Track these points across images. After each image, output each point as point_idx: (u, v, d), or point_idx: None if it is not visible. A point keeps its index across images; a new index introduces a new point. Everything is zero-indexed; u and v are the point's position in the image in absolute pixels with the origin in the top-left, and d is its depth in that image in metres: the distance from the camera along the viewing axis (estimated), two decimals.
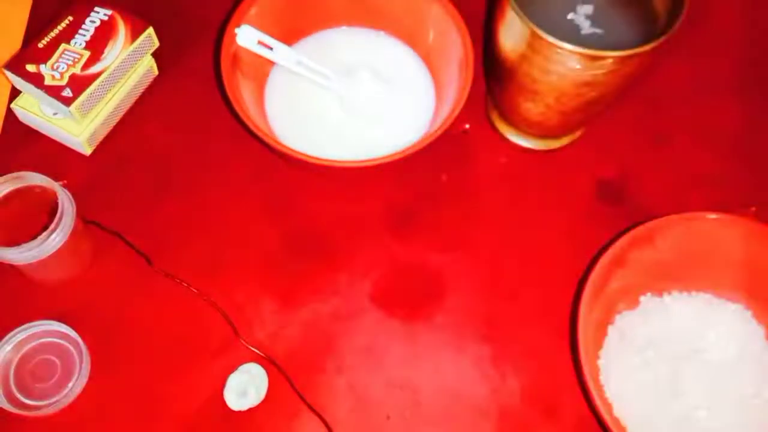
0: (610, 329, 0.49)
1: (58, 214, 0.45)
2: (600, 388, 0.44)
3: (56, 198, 0.45)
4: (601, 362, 0.47)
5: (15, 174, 0.46)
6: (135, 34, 0.54)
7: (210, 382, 0.47)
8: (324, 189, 0.55)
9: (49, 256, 0.45)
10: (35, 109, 0.53)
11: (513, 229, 0.54)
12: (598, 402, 0.43)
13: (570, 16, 0.49)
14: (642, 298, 0.50)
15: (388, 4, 0.56)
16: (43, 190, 0.46)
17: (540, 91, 0.48)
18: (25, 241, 0.44)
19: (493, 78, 0.54)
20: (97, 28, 0.54)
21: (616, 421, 0.43)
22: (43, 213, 0.47)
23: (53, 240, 0.45)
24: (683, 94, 0.60)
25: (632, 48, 0.42)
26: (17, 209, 0.46)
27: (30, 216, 0.47)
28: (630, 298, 0.50)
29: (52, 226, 0.44)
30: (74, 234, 0.46)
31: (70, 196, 0.47)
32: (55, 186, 0.46)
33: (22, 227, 0.46)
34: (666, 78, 0.59)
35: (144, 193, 0.54)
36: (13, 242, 0.44)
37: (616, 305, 0.49)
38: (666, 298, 0.50)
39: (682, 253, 0.49)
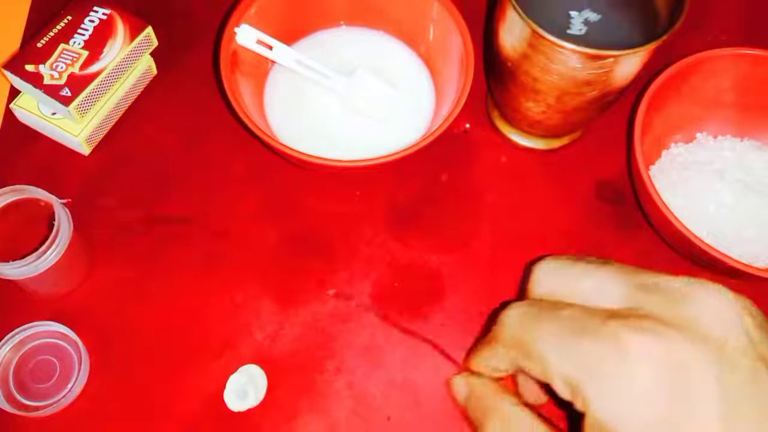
0: (664, 152, 0.55)
1: (54, 231, 0.44)
2: (650, 177, 0.48)
3: (53, 210, 0.45)
4: (650, 173, 0.52)
5: (12, 187, 0.45)
6: (134, 34, 0.54)
7: (209, 382, 0.47)
8: (324, 189, 0.55)
9: (43, 272, 0.45)
10: (34, 109, 0.53)
11: (513, 228, 0.54)
12: (646, 180, 0.46)
13: (571, 14, 0.49)
14: (698, 135, 0.55)
15: (388, 4, 0.56)
16: (39, 203, 0.45)
17: (541, 90, 0.47)
18: (22, 254, 0.43)
19: (493, 77, 0.54)
20: (95, 28, 0.53)
21: (666, 206, 0.46)
22: (41, 225, 0.46)
23: (47, 257, 0.44)
24: None
25: (633, 48, 0.42)
26: (13, 222, 0.46)
27: (27, 229, 0.47)
28: (687, 131, 0.55)
29: (47, 243, 0.44)
30: (70, 249, 0.46)
31: (68, 212, 0.46)
32: (53, 200, 0.45)
33: (19, 240, 0.46)
34: None
35: (143, 192, 0.54)
36: (9, 255, 0.43)
37: (673, 134, 0.55)
38: (720, 138, 0.55)
39: (744, 94, 0.54)
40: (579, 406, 0.27)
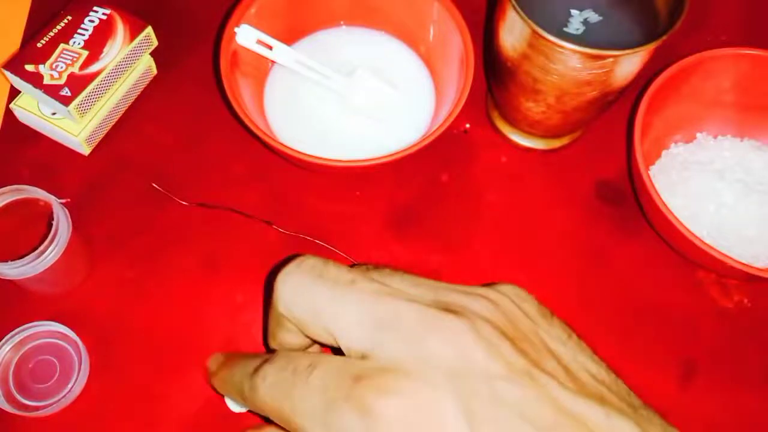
0: (664, 152, 0.55)
1: (52, 232, 0.44)
2: (650, 177, 0.48)
3: (52, 210, 0.45)
4: (650, 173, 0.52)
5: (12, 187, 0.45)
6: (134, 34, 0.54)
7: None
8: (324, 189, 0.55)
9: (43, 272, 0.45)
10: (34, 109, 0.53)
11: (513, 228, 0.54)
12: (646, 180, 0.47)
13: (572, 14, 0.49)
14: (699, 135, 0.55)
15: (388, 4, 0.56)
16: (39, 203, 0.45)
17: (541, 90, 0.47)
18: (21, 254, 0.43)
19: (493, 77, 0.54)
20: (95, 28, 0.53)
21: (666, 206, 0.46)
22: (41, 225, 0.46)
23: (46, 257, 0.44)
24: None
25: (633, 48, 0.42)
26: (13, 222, 0.46)
27: (26, 229, 0.47)
28: (687, 131, 0.55)
29: (46, 243, 0.44)
30: (69, 249, 0.46)
31: (67, 211, 0.46)
32: (52, 200, 0.45)
33: (19, 240, 0.46)
34: None
35: (143, 192, 0.54)
36: (8, 255, 0.43)
37: (673, 134, 0.55)
38: (720, 138, 0.55)
39: (744, 94, 0.54)
40: None
